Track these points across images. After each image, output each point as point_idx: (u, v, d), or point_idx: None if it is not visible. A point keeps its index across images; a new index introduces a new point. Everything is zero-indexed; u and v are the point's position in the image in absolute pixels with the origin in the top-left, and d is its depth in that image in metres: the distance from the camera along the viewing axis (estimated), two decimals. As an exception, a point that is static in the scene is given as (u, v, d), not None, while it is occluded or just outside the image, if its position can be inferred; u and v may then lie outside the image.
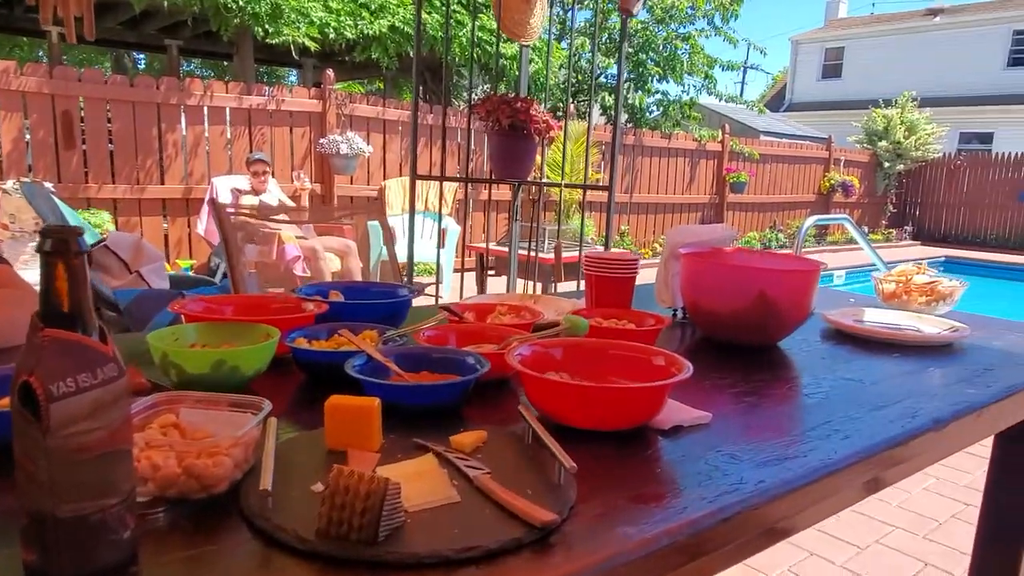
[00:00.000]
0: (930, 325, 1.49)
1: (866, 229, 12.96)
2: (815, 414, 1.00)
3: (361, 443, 0.75)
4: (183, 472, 0.63)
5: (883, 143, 13.11)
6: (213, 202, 3.51)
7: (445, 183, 3.42)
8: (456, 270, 6.19)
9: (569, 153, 7.87)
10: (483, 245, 5.59)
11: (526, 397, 0.90)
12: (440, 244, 6.06)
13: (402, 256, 5.57)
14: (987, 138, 17.99)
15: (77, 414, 0.50)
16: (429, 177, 3.19)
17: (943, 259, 11.69)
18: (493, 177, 2.73)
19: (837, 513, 0.94)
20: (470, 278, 6.14)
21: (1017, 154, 12.83)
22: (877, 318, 1.55)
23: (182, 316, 1.07)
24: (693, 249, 1.42)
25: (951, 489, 2.84)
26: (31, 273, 3.93)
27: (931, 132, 13.11)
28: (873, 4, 34.73)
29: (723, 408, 1.00)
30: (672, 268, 1.50)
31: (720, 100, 12.85)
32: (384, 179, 6.89)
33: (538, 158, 2.73)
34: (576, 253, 5.65)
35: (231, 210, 2.81)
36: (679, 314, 1.57)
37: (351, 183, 6.79)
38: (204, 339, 0.98)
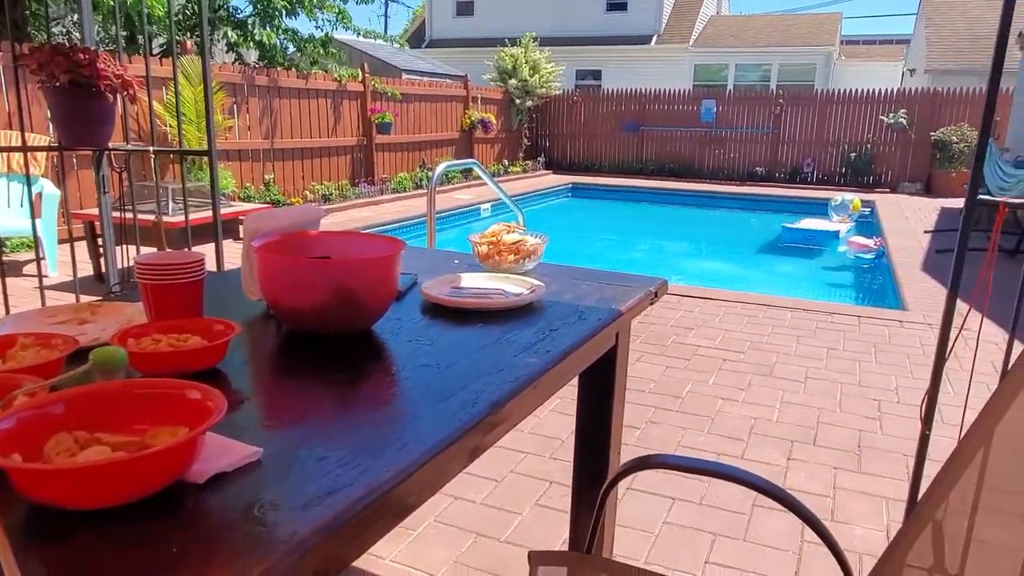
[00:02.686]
0: (516, 285, 1.57)
1: (507, 162, 14.07)
2: (380, 419, 0.96)
3: None
4: None
5: (513, 81, 14.19)
6: None
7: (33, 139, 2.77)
8: (63, 241, 5.26)
9: (191, 98, 7.10)
10: (93, 211, 4.81)
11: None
12: (35, 213, 5.07)
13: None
14: (598, 75, 20.54)
15: None
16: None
17: (571, 185, 13.25)
18: (62, 144, 2.26)
19: (405, 518, 0.92)
20: (82, 249, 5.28)
21: (620, 89, 14.86)
22: (472, 283, 1.60)
23: None
24: (270, 238, 1.30)
25: (570, 405, 3.20)
26: None
27: (551, 71, 14.52)
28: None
29: (286, 423, 0.91)
30: (253, 259, 1.36)
31: (359, 36, 12.67)
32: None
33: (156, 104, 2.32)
34: (209, 213, 5.16)
35: None
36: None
37: None
38: None
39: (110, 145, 2.29)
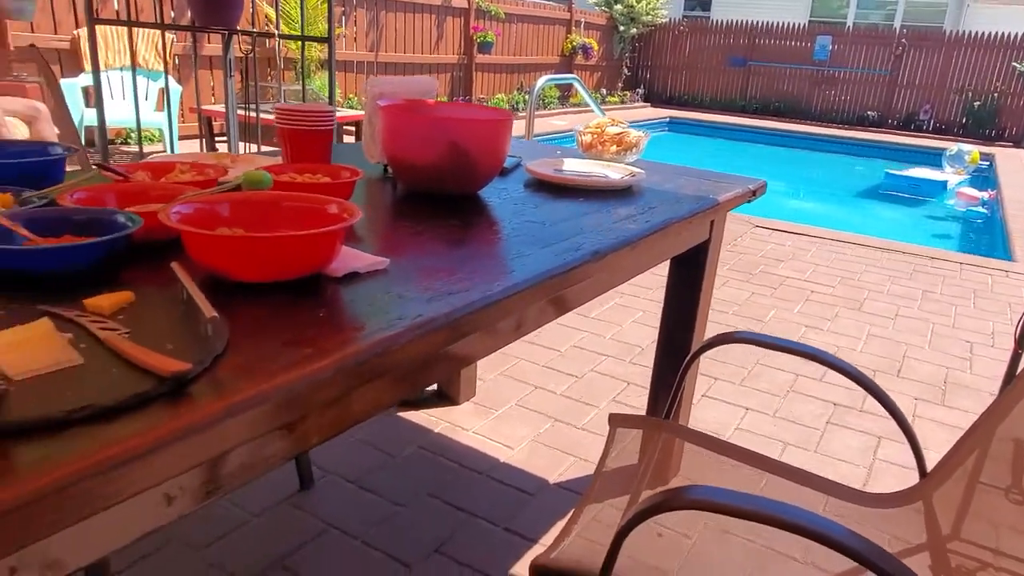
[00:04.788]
0: (616, 172, 1.63)
1: (604, 92, 13.79)
2: (495, 254, 1.06)
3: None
4: None
5: (619, 6, 13.75)
6: None
7: (165, 34, 2.97)
8: (184, 137, 5.59)
9: (307, 5, 7.26)
10: (210, 107, 5.08)
11: (186, 257, 0.84)
12: (160, 107, 5.40)
13: (114, 121, 4.89)
14: (706, 5, 19.61)
15: None
16: (113, 22, 2.76)
17: (668, 119, 12.90)
18: (196, 25, 2.42)
19: (508, 344, 1.02)
20: (197, 145, 5.60)
21: (730, 21, 14.19)
22: (574, 167, 1.67)
23: None
24: (392, 101, 1.39)
25: (654, 319, 3.27)
26: None
27: (659, -3, 13.98)
28: None
29: (408, 252, 1.02)
30: (376, 122, 1.47)
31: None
32: (77, 26, 5.86)
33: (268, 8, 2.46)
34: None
35: None
36: (389, 169, 1.56)
37: (32, 31, 5.70)
38: None
39: (238, 28, 2.44)
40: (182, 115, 5.57)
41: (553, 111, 11.58)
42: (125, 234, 0.81)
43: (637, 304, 3.47)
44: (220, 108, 4.70)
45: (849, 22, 17.98)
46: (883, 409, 1.23)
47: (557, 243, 1.11)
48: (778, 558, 1.14)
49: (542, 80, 4.15)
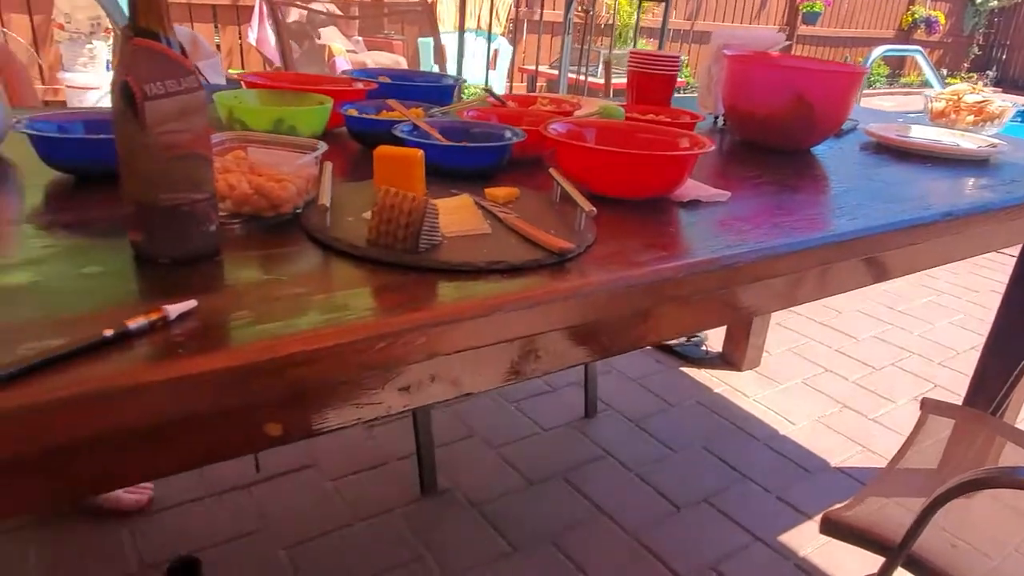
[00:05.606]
0: (970, 142, 1.49)
1: (945, 72, 12.11)
2: (830, 203, 1.06)
3: (406, 188, 0.84)
4: (254, 192, 0.74)
5: (980, -25, 11.90)
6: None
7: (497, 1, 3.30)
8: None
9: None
10: (534, 67, 5.46)
11: (557, 167, 0.97)
12: (493, 66, 5.93)
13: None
14: (1102, -26, 16.10)
15: (168, 114, 0.59)
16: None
17: (1022, 107, 10.97)
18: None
19: (835, 294, 1.02)
20: (519, 102, 6.03)
21: None
22: (921, 134, 1.55)
23: (242, 83, 1.14)
24: (737, 51, 1.42)
25: (977, 324, 2.90)
26: (89, 76, 4.02)
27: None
28: None
29: (743, 193, 1.06)
30: (715, 73, 1.50)
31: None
32: (435, -7, 6.61)
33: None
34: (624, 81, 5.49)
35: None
36: (719, 121, 1.59)
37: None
38: (263, 103, 1.06)
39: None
40: (511, 75, 6.07)
41: (877, 90, 10.48)
42: (514, 142, 0.96)
43: (957, 305, 3.10)
44: (544, 69, 5.03)
45: None
46: None
47: (903, 202, 1.07)
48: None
49: (879, 50, 3.81)
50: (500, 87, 5.87)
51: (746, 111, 1.33)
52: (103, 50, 4.00)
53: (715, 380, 2.33)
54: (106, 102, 3.99)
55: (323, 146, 0.81)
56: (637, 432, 2.03)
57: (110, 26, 3.97)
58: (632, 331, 0.81)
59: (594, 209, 0.78)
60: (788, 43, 1.50)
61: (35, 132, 0.80)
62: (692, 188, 0.99)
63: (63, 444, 0.49)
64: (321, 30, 4.72)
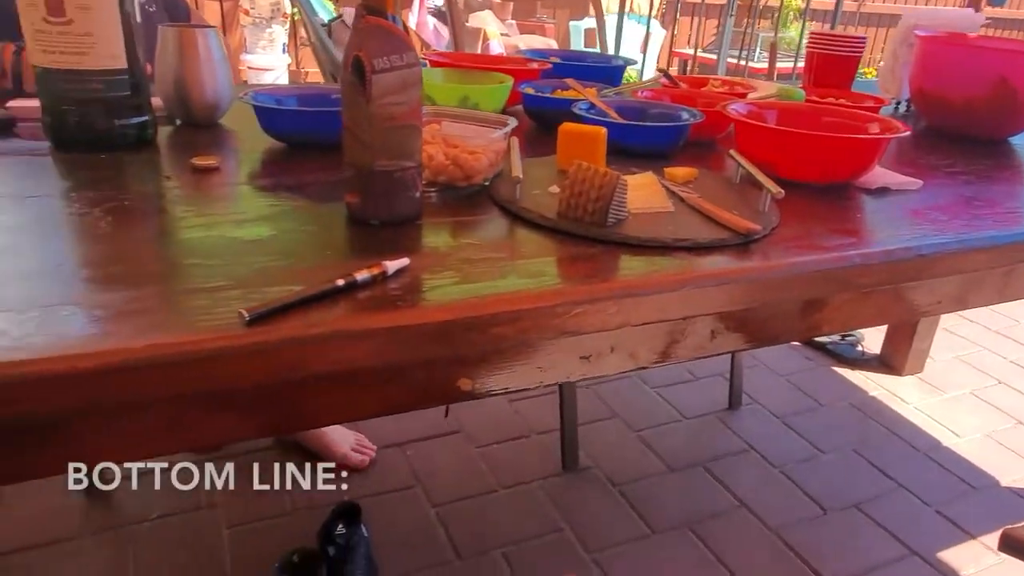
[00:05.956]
0: None
1: None
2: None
3: (587, 165, 0.86)
4: (450, 162, 0.78)
5: None
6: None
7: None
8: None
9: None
10: (688, 51, 5.33)
11: (735, 149, 0.96)
12: (643, 48, 5.84)
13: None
14: None
15: (390, 87, 0.65)
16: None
17: None
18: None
19: (1017, 299, 0.94)
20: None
21: None
22: None
23: (427, 62, 1.21)
24: (930, 32, 1.33)
25: None
26: (268, 57, 4.34)
27: None
28: None
29: (935, 183, 1.00)
30: (902, 55, 1.42)
31: None
32: (587, -23, 6.58)
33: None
34: (791, 64, 5.23)
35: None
36: (902, 107, 1.50)
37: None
38: (448, 81, 1.12)
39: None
40: (664, 59, 5.97)
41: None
42: (693, 123, 0.96)
43: None
44: (700, 53, 4.90)
45: None
46: None
47: (1123, 197, 0.97)
48: None
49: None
50: (649, 72, 5.78)
51: (937, 96, 1.25)
52: (280, 34, 4.31)
53: (870, 383, 2.21)
54: (283, 82, 4.30)
55: (513, 121, 0.85)
56: (783, 429, 1.96)
57: (288, 11, 4.27)
58: (803, 320, 0.79)
59: (782, 191, 0.76)
60: (987, 21, 1.39)
61: (259, 104, 0.89)
62: (880, 175, 0.94)
63: (296, 379, 0.55)
64: (475, 14, 4.84)
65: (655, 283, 0.64)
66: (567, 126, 0.87)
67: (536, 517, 1.59)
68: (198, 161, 0.82)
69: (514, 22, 5.00)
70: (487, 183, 0.82)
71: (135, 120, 0.86)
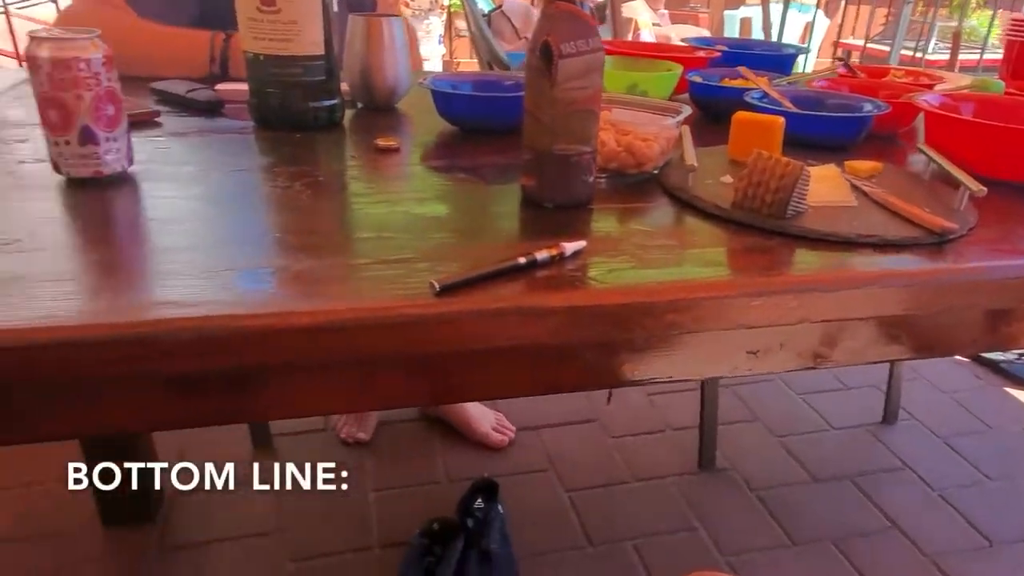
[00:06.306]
0: None
1: None
2: None
3: (761, 156, 0.84)
4: (623, 149, 0.79)
5: None
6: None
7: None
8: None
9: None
10: (857, 43, 5.00)
11: (925, 142, 0.90)
12: (803, 39, 5.55)
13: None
14: None
15: (574, 72, 0.66)
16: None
17: None
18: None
19: None
20: (828, 80, 5.60)
21: None
22: None
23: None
24: None
25: None
26: (424, 48, 4.51)
27: None
28: None
29: None
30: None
31: None
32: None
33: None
34: (976, 56, 4.79)
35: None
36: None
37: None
38: (617, 68, 1.12)
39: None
40: (822, 48, 5.65)
41: None
42: (877, 114, 0.90)
43: None
44: (869, 45, 4.59)
45: None
46: None
47: None
48: None
49: None
50: (810, 63, 5.48)
51: None
52: (437, 25, 4.46)
53: (1051, 409, 2.00)
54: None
55: (687, 110, 0.84)
56: (945, 449, 1.82)
57: (445, 3, 4.42)
58: (991, 332, 0.73)
59: (983, 188, 0.71)
60: None
61: (437, 89, 0.93)
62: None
63: (479, 350, 0.57)
64: (627, 3, 4.79)
65: (839, 279, 0.61)
66: (741, 115, 0.85)
67: (669, 513, 1.57)
68: (381, 142, 0.87)
69: (666, 12, 4.90)
70: (656, 171, 0.82)
71: (327, 103, 0.93)
